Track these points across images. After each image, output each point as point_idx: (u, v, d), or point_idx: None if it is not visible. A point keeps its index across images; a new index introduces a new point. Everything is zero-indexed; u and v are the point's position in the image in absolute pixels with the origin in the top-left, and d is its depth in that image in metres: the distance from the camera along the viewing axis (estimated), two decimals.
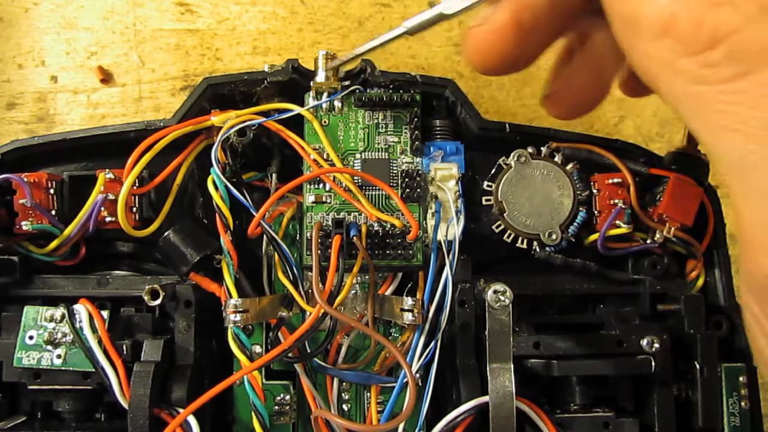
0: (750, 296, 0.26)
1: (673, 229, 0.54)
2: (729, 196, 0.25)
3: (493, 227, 0.55)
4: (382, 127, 0.54)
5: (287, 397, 0.54)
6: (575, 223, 0.54)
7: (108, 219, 0.52)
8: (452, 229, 0.51)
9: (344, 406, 0.55)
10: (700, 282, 0.56)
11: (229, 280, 0.49)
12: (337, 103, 0.53)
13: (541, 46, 0.33)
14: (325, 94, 0.53)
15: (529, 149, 0.55)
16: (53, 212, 0.52)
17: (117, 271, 0.56)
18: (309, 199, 0.53)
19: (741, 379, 0.53)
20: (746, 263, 0.26)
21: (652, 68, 0.25)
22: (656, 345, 0.51)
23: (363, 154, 0.53)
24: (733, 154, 0.24)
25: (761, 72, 0.23)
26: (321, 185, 0.53)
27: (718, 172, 0.26)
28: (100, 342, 0.49)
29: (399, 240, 0.51)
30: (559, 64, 0.36)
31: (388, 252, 0.51)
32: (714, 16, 0.23)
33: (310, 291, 0.52)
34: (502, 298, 0.48)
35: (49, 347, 0.50)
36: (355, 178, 0.52)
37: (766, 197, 0.24)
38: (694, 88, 0.24)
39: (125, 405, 0.47)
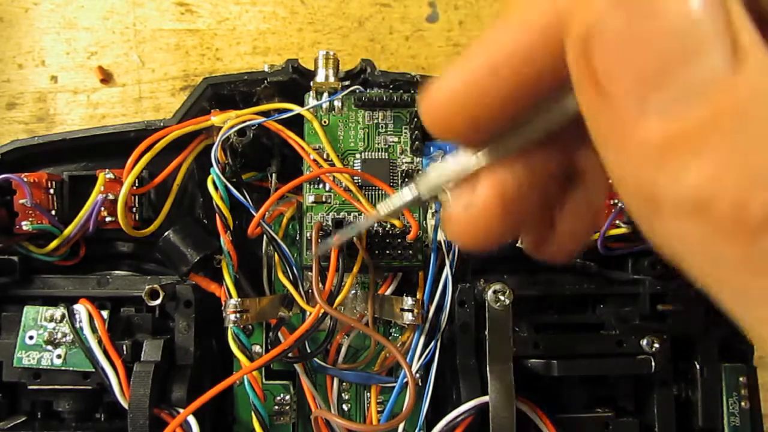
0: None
1: None
2: None
3: None
4: (382, 127, 0.54)
5: (287, 397, 0.54)
6: None
7: (108, 219, 0.52)
8: None
9: (344, 406, 0.55)
10: None
11: (229, 280, 0.49)
12: (337, 103, 0.53)
13: (532, 212, 0.29)
14: (325, 94, 0.53)
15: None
16: (53, 212, 0.52)
17: (117, 271, 0.56)
18: (309, 199, 0.53)
19: (741, 379, 0.53)
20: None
21: (679, 250, 0.21)
22: (656, 345, 0.51)
23: (363, 154, 0.53)
24: None
25: None
26: (321, 185, 0.53)
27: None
28: (100, 342, 0.49)
29: (399, 240, 0.51)
30: (539, 216, 0.32)
31: (388, 252, 0.51)
32: (758, 195, 0.18)
33: (310, 291, 0.52)
34: (502, 298, 0.48)
35: (49, 347, 0.50)
36: (355, 178, 0.52)
37: None
38: (735, 278, 0.20)
39: (125, 405, 0.47)
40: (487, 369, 0.48)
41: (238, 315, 0.47)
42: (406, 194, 0.31)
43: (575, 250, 0.32)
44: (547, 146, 0.26)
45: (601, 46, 0.20)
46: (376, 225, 0.51)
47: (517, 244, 0.54)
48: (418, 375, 0.50)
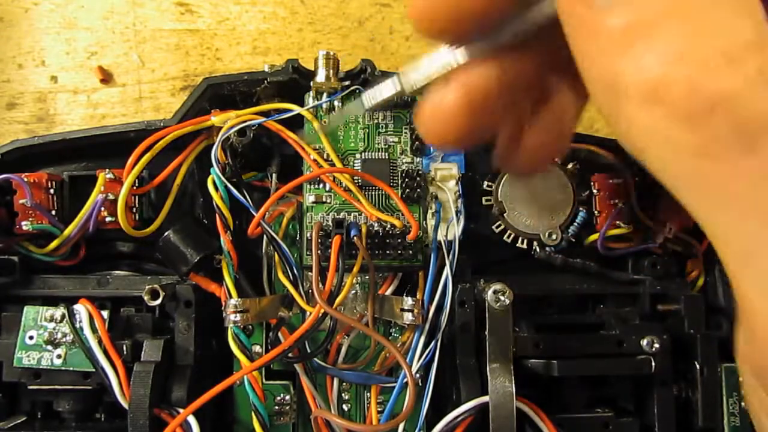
0: (758, 385, 0.24)
1: (673, 229, 0.54)
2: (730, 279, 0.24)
3: (493, 227, 0.55)
4: (382, 127, 0.54)
5: (287, 397, 0.54)
6: (575, 223, 0.54)
7: (108, 219, 0.52)
8: (452, 229, 0.51)
9: (344, 406, 0.55)
10: (700, 282, 0.56)
11: (229, 280, 0.49)
12: (337, 103, 0.53)
13: (499, 119, 0.30)
14: (325, 94, 0.53)
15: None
16: (53, 212, 0.52)
17: (117, 271, 0.56)
18: (309, 199, 0.53)
19: (741, 379, 0.53)
20: (754, 353, 0.23)
21: (640, 138, 0.22)
22: (656, 345, 0.51)
23: (363, 154, 0.53)
24: (736, 237, 0.21)
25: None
26: (321, 185, 0.53)
27: (718, 252, 0.23)
28: (100, 342, 0.49)
29: (399, 240, 0.51)
30: (510, 126, 0.33)
31: (388, 252, 0.51)
32: (711, 79, 0.20)
33: (310, 291, 0.52)
34: (502, 298, 0.48)
35: (49, 347, 0.50)
36: (355, 178, 0.52)
37: None
38: (689, 163, 0.21)
39: (125, 405, 0.47)
40: (487, 369, 0.48)
41: (238, 315, 0.47)
42: (388, 87, 0.32)
43: (539, 166, 0.34)
44: (518, 55, 0.28)
45: None
46: (376, 225, 0.51)
47: (518, 245, 0.54)
48: (418, 375, 0.50)
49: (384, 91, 0.32)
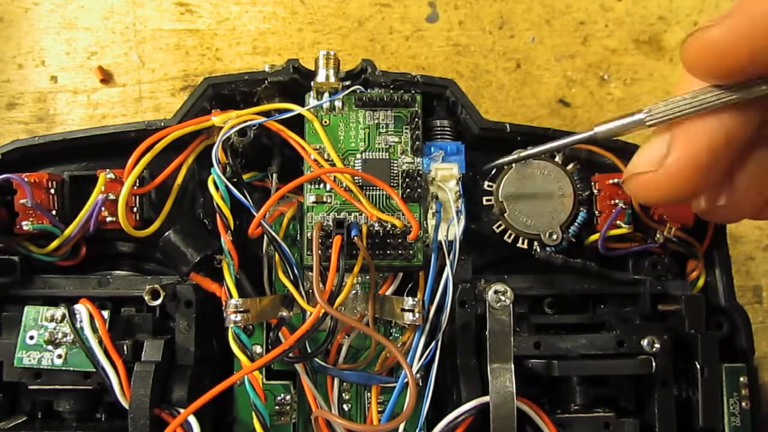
0: None
1: (673, 229, 0.54)
2: None
3: (494, 227, 0.55)
4: (382, 127, 0.54)
5: (288, 397, 0.54)
6: (576, 223, 0.54)
7: (108, 219, 0.52)
8: (453, 229, 0.51)
9: (345, 406, 0.55)
10: (701, 282, 0.56)
11: (229, 280, 0.49)
12: (338, 103, 0.53)
13: (715, 182, 0.30)
14: (326, 94, 0.53)
15: (530, 149, 0.55)
16: (54, 212, 0.52)
17: (117, 271, 0.56)
18: (309, 199, 0.53)
19: (741, 379, 0.53)
20: None
21: None
22: (657, 345, 0.51)
23: (363, 154, 0.53)
24: None
25: None
26: (321, 185, 0.53)
27: None
28: (100, 342, 0.49)
29: (399, 240, 0.51)
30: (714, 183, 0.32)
31: (388, 252, 0.51)
32: None
33: (310, 291, 0.52)
34: (502, 298, 0.48)
35: (50, 347, 0.50)
36: (355, 178, 0.52)
37: None
38: None
39: (126, 405, 0.47)
40: (488, 369, 0.48)
41: (238, 315, 0.47)
42: (631, 118, 0.33)
43: (748, 213, 0.33)
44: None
45: None
46: (376, 225, 0.51)
47: (518, 245, 0.54)
48: (418, 375, 0.50)
49: (626, 120, 0.34)
